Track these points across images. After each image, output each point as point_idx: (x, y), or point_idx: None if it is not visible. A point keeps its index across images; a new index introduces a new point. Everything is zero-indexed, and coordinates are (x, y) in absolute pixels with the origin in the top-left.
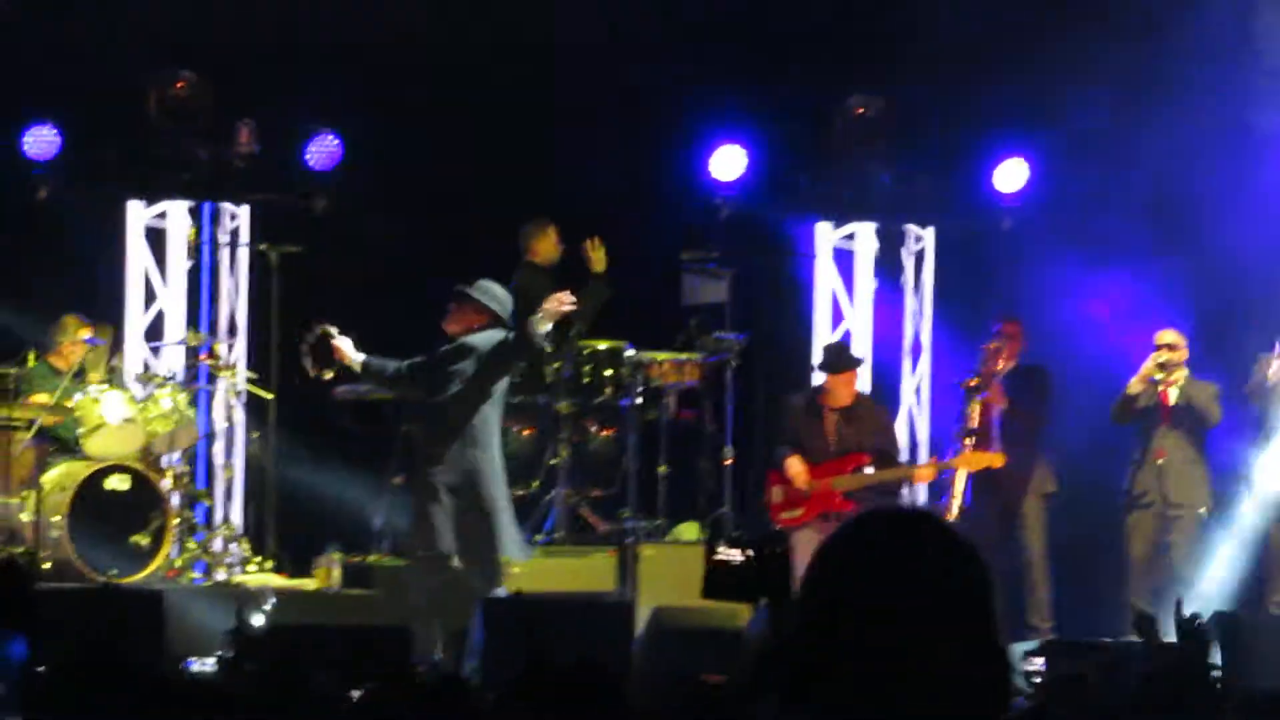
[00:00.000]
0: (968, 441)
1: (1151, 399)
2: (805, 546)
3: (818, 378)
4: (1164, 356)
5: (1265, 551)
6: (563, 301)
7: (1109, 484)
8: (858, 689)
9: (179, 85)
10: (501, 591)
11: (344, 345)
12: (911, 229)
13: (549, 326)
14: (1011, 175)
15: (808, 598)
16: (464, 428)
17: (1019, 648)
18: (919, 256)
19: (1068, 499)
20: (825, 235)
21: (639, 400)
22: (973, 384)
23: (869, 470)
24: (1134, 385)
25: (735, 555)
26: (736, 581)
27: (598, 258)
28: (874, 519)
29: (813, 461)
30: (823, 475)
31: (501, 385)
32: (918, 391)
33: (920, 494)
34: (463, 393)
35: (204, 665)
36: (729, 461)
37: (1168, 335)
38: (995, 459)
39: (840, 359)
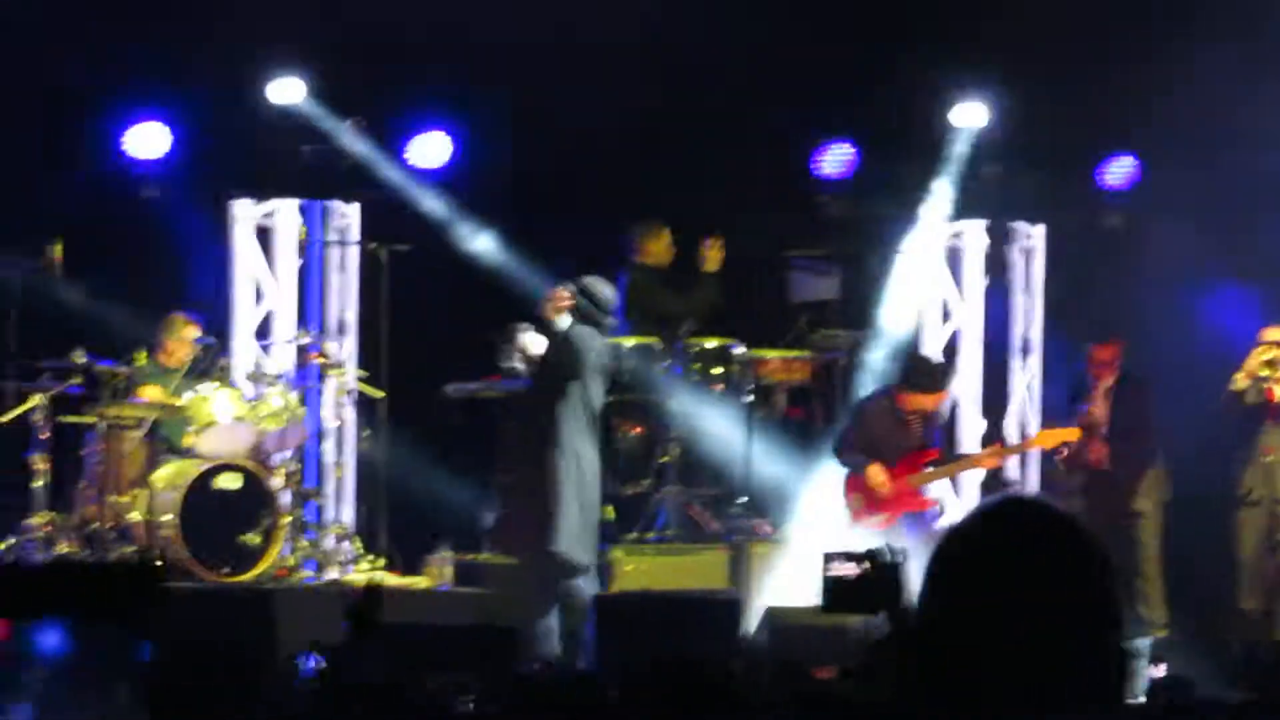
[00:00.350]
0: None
1: (1258, 396)
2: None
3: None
4: (1271, 353)
5: None
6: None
7: (1220, 484)
8: (982, 679)
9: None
10: (585, 585)
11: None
12: (1021, 226)
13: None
14: (1121, 171)
15: (931, 594)
16: (536, 424)
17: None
18: (1028, 254)
19: (1178, 499)
20: (932, 233)
21: (749, 398)
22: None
23: (939, 464)
24: (1240, 381)
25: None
26: (854, 595)
27: (713, 257)
28: (992, 512)
29: (887, 463)
30: (899, 475)
31: (580, 385)
32: (1029, 389)
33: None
34: (535, 388)
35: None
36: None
37: (1275, 332)
38: (1070, 433)
39: (934, 381)
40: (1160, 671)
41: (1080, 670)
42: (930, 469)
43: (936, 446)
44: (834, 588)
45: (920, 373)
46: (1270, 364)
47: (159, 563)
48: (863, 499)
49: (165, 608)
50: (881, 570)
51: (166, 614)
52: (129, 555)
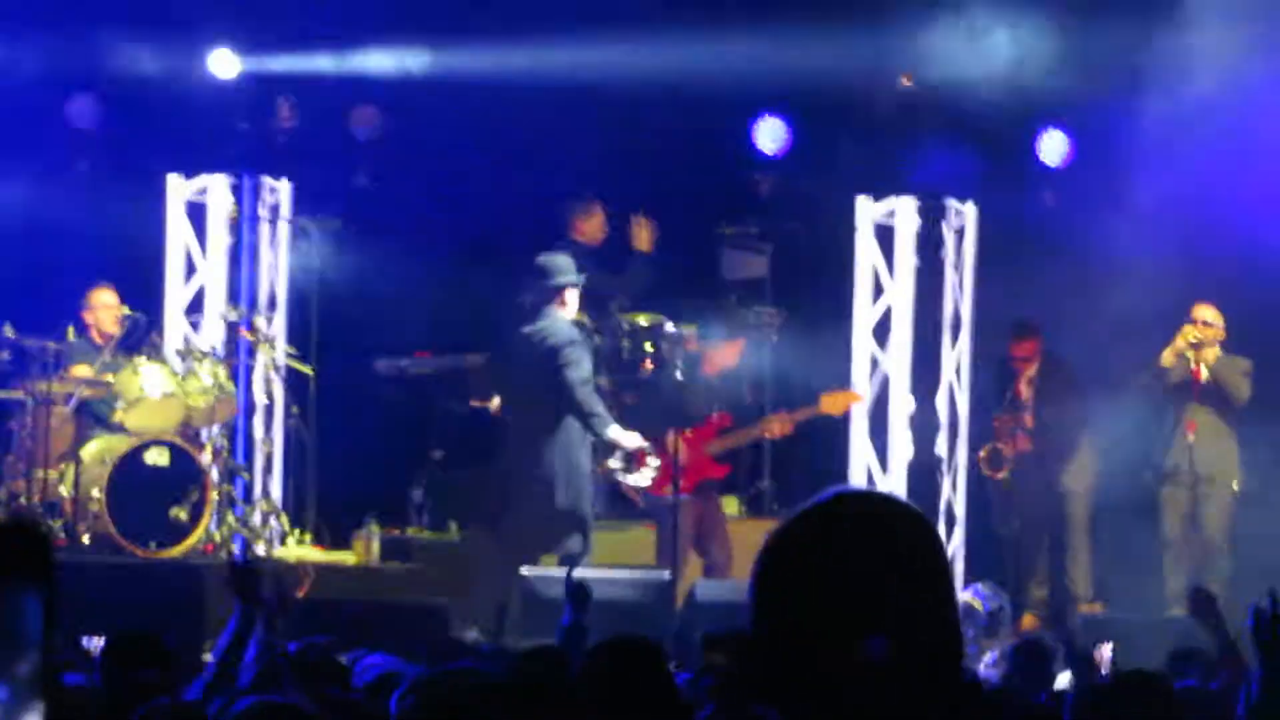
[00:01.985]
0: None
1: (1184, 374)
2: (688, 518)
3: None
4: (1196, 333)
5: None
6: None
7: (1144, 461)
8: (814, 686)
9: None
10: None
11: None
12: (952, 204)
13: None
14: (1054, 148)
15: (760, 600)
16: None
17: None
18: (960, 232)
19: (1104, 472)
20: (866, 210)
21: (679, 376)
22: (1006, 420)
23: (731, 431)
24: (1166, 358)
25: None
26: None
27: (644, 236)
28: (820, 507)
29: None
30: (694, 443)
31: (565, 377)
32: (958, 368)
33: (960, 479)
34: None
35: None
36: (769, 435)
37: (1205, 311)
38: (851, 396)
39: (721, 329)
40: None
41: (921, 653)
42: (723, 435)
43: (729, 412)
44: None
45: (713, 322)
46: (1196, 344)
47: (41, 527)
48: (662, 466)
49: (50, 574)
50: None
51: (53, 581)
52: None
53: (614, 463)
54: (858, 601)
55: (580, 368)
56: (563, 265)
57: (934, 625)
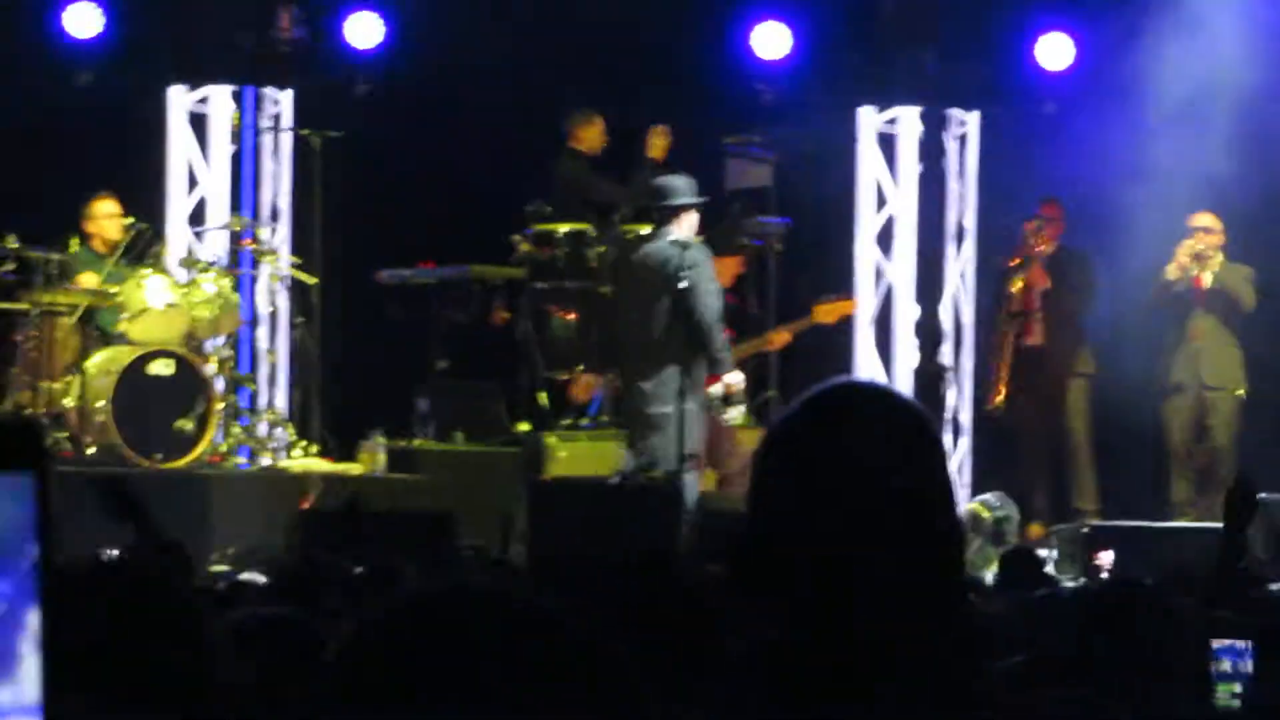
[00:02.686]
0: (1008, 324)
1: (1187, 284)
2: (699, 426)
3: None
4: (1198, 242)
5: None
6: None
7: (1147, 371)
8: (810, 580)
9: None
10: None
11: None
12: (955, 113)
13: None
14: (1056, 52)
15: (759, 489)
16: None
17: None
18: (962, 141)
19: (1105, 386)
20: (869, 120)
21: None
22: (1014, 264)
23: (735, 343)
24: (1170, 270)
25: None
26: None
27: (658, 144)
28: (819, 398)
29: None
30: None
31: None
32: (962, 276)
33: (966, 387)
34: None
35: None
36: (770, 348)
37: (1203, 218)
38: (846, 306)
39: (730, 242)
40: (1110, 556)
41: (919, 557)
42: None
43: (733, 325)
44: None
45: (715, 235)
46: (1198, 256)
47: (31, 421)
48: None
49: (44, 465)
50: None
51: (47, 472)
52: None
53: (715, 392)
54: (857, 492)
55: (710, 293)
56: (681, 186)
57: (932, 515)
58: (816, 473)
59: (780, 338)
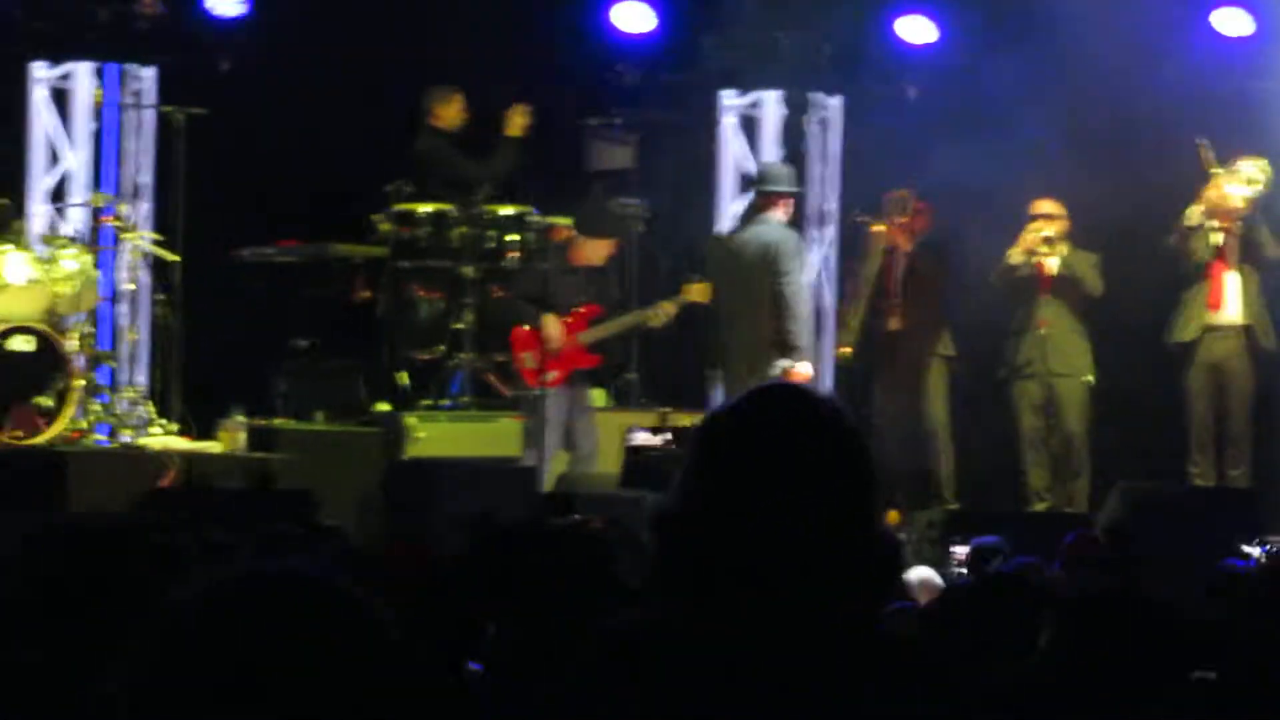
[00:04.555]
0: (863, 304)
1: (1030, 270)
2: (557, 408)
3: (568, 233)
4: (1042, 228)
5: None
6: None
7: (998, 358)
8: (737, 576)
9: None
10: None
11: None
12: (818, 97)
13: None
14: (917, 29)
15: (687, 477)
16: None
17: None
18: (824, 124)
19: (963, 371)
20: (729, 103)
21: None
22: (875, 228)
23: (612, 321)
24: (1015, 255)
25: (654, 441)
26: (656, 470)
27: (518, 122)
28: (753, 397)
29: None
30: (568, 331)
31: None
32: (825, 260)
33: (827, 371)
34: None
35: None
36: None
37: (1045, 205)
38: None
39: (605, 225)
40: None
41: (843, 555)
42: (598, 324)
43: (601, 303)
44: (633, 461)
45: (589, 215)
46: (1047, 240)
47: None
48: (535, 355)
49: None
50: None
51: None
52: None
53: (774, 371)
54: (780, 482)
55: (798, 280)
56: (781, 173)
57: (850, 507)
58: (745, 463)
59: (667, 310)
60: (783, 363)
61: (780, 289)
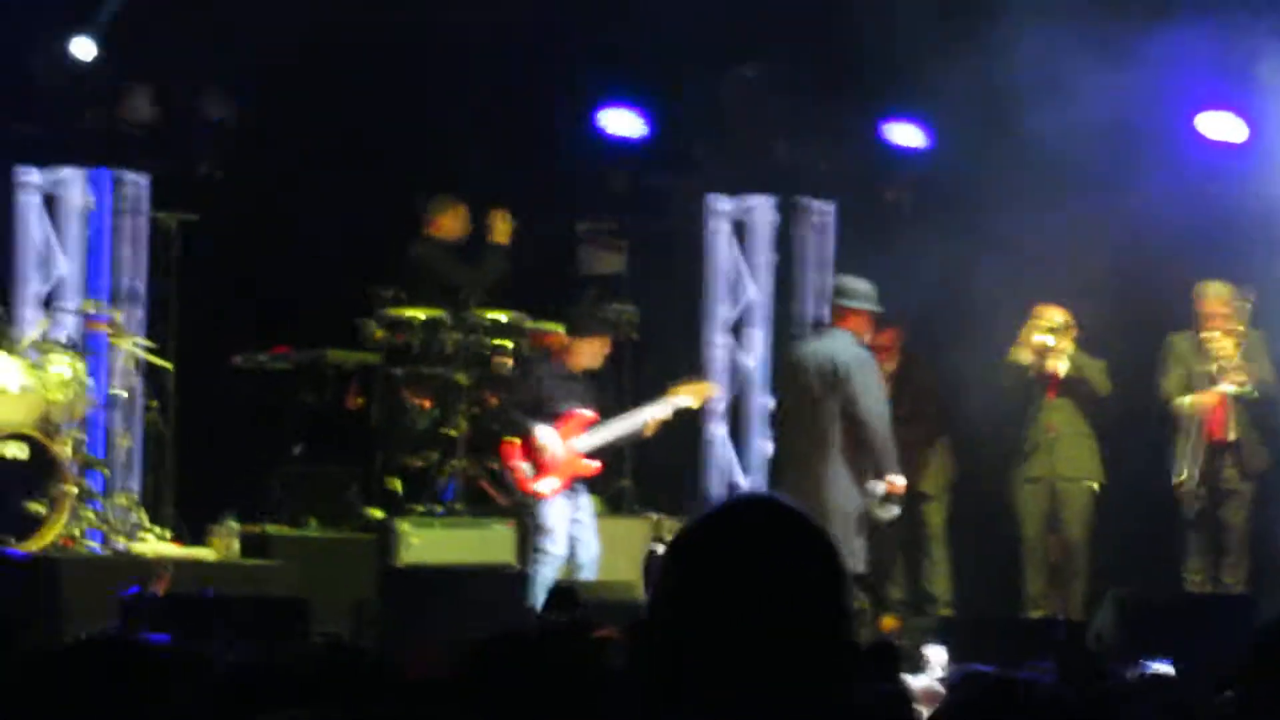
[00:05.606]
0: None
1: (1039, 369)
2: (559, 517)
3: (562, 339)
4: (1050, 326)
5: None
6: None
7: (1002, 459)
8: (709, 685)
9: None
10: None
11: None
12: (809, 201)
13: None
14: (908, 135)
15: (663, 585)
16: None
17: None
18: (819, 230)
19: (962, 475)
20: (721, 208)
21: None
22: None
23: (608, 426)
24: (1023, 355)
25: None
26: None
27: (501, 229)
28: (728, 507)
29: (555, 425)
30: (565, 438)
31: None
32: None
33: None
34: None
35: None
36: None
37: (1051, 311)
38: (705, 389)
39: (595, 324)
40: (942, 654)
41: (809, 665)
42: (595, 430)
43: (596, 408)
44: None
45: (581, 316)
46: (1054, 331)
47: None
48: (533, 464)
49: None
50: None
51: None
52: None
53: (873, 492)
54: (755, 596)
55: (875, 396)
56: (861, 289)
57: (825, 620)
58: (720, 577)
59: (660, 414)
60: (877, 487)
61: (854, 414)
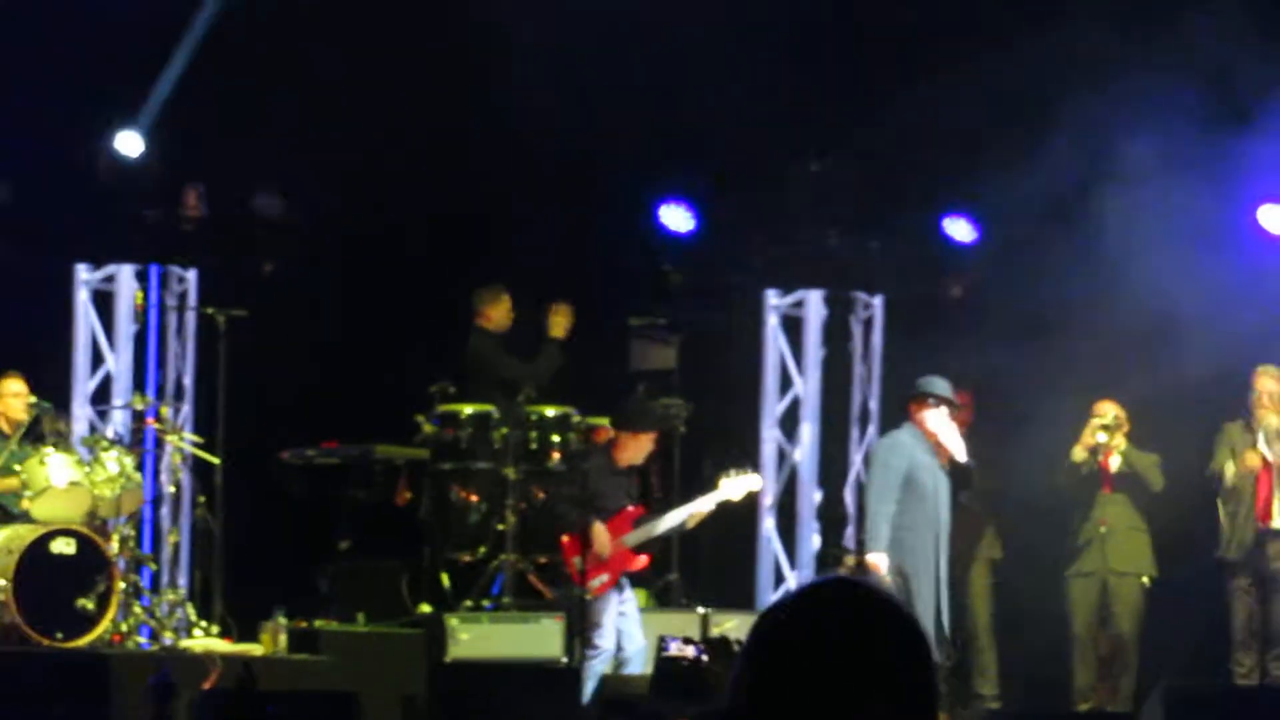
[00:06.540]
0: None
1: (1093, 465)
2: (608, 611)
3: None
4: (1106, 420)
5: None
6: None
7: (1053, 553)
8: None
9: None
10: None
11: None
12: (860, 296)
13: None
14: (960, 230)
15: (744, 674)
16: None
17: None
18: (868, 324)
19: (1010, 567)
20: (772, 302)
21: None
22: None
23: (655, 520)
24: (1078, 453)
25: (687, 652)
26: (686, 680)
27: (559, 323)
28: (812, 591)
29: (606, 521)
30: (615, 534)
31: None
32: (866, 458)
33: None
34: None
35: None
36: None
37: (1106, 406)
38: (753, 481)
39: (645, 419)
40: None
41: None
42: (642, 525)
43: (644, 503)
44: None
45: (628, 411)
46: (1107, 428)
47: None
48: (585, 560)
49: None
50: (722, 658)
51: None
52: None
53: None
54: (840, 687)
55: (880, 476)
56: (934, 384)
57: (916, 714)
58: (802, 666)
59: (705, 508)
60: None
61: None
